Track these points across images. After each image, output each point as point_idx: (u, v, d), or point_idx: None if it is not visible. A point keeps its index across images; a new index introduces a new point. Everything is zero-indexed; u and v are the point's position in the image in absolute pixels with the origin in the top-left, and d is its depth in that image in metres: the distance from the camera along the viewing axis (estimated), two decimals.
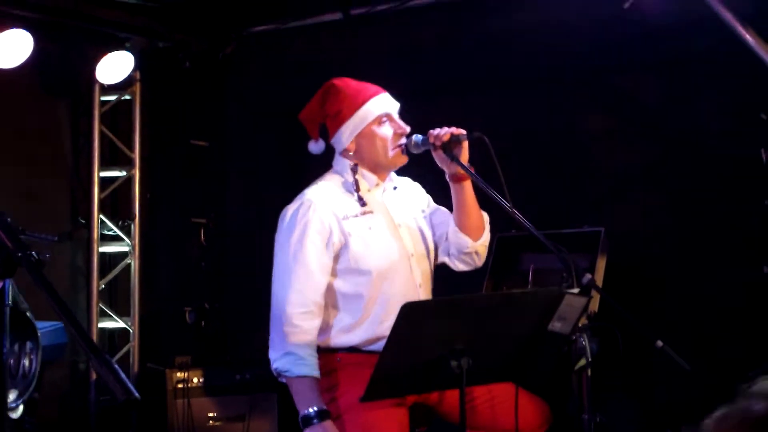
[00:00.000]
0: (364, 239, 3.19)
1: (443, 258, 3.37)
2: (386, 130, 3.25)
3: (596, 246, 4.06)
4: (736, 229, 4.29)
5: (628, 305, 3.05)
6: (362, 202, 3.24)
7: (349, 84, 3.29)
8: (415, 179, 3.44)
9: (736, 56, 4.04)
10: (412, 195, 3.43)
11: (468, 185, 3.21)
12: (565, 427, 3.25)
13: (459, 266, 3.37)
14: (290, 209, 3.22)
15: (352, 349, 3.21)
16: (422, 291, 3.26)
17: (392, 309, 3.15)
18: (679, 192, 4.48)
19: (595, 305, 3.75)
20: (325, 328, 3.21)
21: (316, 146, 3.35)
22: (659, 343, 3.01)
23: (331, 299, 3.21)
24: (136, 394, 1.51)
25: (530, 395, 3.22)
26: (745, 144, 4.22)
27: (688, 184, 4.46)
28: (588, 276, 3.00)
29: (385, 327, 3.14)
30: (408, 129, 3.26)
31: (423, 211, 3.42)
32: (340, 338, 3.21)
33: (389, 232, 3.25)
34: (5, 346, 1.71)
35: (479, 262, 3.37)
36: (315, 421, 3.02)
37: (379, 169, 3.30)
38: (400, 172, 3.42)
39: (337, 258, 3.17)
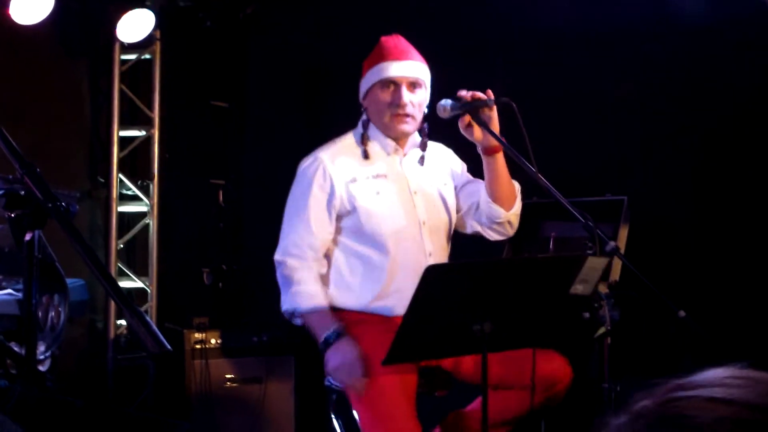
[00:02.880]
0: (370, 203, 3.24)
1: (476, 228, 3.39)
2: (386, 96, 3.26)
3: (619, 214, 4.03)
4: (762, 198, 4.24)
5: (651, 274, 3.03)
6: (365, 154, 3.29)
7: (388, 42, 3.33)
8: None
9: (765, 25, 3.99)
10: (442, 163, 3.42)
11: (500, 157, 3.20)
12: (585, 394, 3.24)
13: (492, 236, 3.39)
14: (302, 165, 3.34)
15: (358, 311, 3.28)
16: (432, 260, 3.27)
17: (397, 274, 3.21)
18: (703, 160, 4.44)
19: (616, 274, 3.73)
20: (330, 287, 3.31)
21: None
22: (681, 312, 3.00)
23: (338, 259, 3.30)
24: (168, 347, 1.51)
25: (550, 352, 3.21)
26: None
27: (712, 153, 4.41)
28: (612, 243, 2.98)
29: (390, 291, 3.19)
30: (408, 100, 3.24)
31: (453, 180, 3.42)
32: (344, 297, 3.29)
33: (400, 198, 3.27)
34: (34, 297, 1.70)
35: (512, 231, 3.38)
36: (332, 339, 3.12)
37: (389, 134, 3.31)
38: (434, 138, 3.42)
39: (340, 219, 3.27)
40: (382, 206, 3.25)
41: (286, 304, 3.25)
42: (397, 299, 3.19)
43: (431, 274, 2.65)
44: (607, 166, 4.66)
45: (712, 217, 4.38)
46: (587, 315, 3.09)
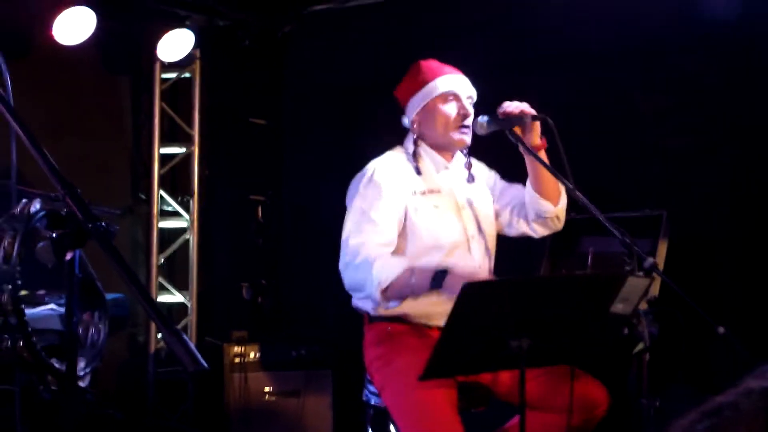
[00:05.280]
0: (429, 216, 3.24)
1: (521, 228, 3.43)
2: (450, 108, 3.29)
3: (658, 229, 4.00)
4: None
5: (691, 290, 3.01)
6: (418, 170, 3.29)
7: (429, 63, 3.37)
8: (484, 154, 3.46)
9: None
10: (480, 177, 3.45)
11: (543, 154, 3.22)
12: (624, 410, 3.22)
13: (539, 231, 3.43)
14: (362, 174, 3.27)
15: (401, 320, 3.23)
16: (480, 271, 3.27)
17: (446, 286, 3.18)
18: (742, 173, 4.40)
19: (656, 290, 3.70)
20: None
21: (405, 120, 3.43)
22: (721, 329, 2.97)
23: None
24: (205, 365, 1.53)
25: (588, 377, 3.21)
26: None
27: (751, 166, 4.38)
28: (650, 260, 2.96)
29: (437, 302, 3.16)
30: (471, 112, 3.28)
31: (491, 192, 3.45)
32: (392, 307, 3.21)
33: (452, 213, 3.29)
34: (75, 314, 1.73)
35: (560, 225, 3.41)
36: (441, 274, 2.97)
37: (442, 149, 3.32)
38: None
39: (399, 227, 3.22)
40: (439, 220, 3.26)
41: (372, 288, 3.02)
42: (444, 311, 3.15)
43: (469, 291, 2.65)
44: (646, 181, 4.64)
45: (752, 232, 4.34)
46: (626, 331, 3.08)
